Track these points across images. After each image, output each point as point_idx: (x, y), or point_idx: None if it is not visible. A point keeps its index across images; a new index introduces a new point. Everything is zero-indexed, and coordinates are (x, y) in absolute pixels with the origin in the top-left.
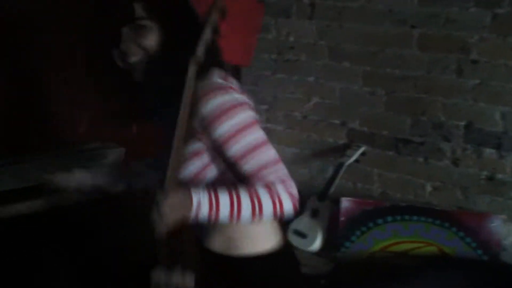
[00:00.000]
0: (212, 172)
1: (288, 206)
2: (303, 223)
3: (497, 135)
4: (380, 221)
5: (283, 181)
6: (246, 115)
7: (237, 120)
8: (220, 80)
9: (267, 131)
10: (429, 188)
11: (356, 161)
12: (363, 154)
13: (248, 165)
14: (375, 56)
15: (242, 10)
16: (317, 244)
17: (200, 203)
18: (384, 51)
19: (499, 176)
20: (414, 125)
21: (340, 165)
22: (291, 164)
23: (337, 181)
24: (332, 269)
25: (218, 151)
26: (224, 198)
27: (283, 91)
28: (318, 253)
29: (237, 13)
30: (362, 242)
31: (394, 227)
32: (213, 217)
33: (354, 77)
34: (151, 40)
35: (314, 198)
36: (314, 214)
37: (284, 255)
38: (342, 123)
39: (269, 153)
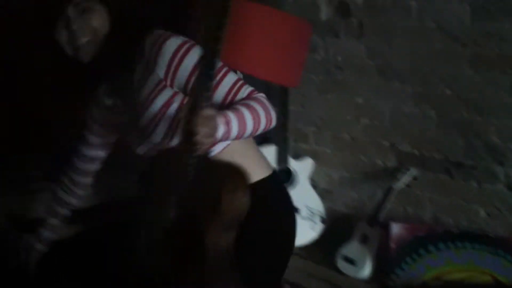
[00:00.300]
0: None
1: (274, 115)
2: (352, 248)
3: None
4: (432, 248)
5: (261, 94)
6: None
7: (197, 53)
8: (160, 30)
9: (314, 153)
10: (483, 213)
11: (407, 185)
12: (414, 178)
13: (226, 87)
14: (426, 76)
15: (290, 30)
16: (366, 271)
17: (220, 124)
18: (435, 71)
19: None
20: (466, 148)
21: (390, 189)
22: (340, 187)
23: (387, 205)
24: None
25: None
26: (231, 115)
27: (331, 112)
28: (368, 281)
29: (285, 33)
30: (413, 269)
31: (446, 255)
32: (226, 134)
33: (404, 98)
34: (99, 21)
35: (364, 223)
36: (364, 239)
37: (275, 180)
38: (392, 145)
39: (234, 73)
